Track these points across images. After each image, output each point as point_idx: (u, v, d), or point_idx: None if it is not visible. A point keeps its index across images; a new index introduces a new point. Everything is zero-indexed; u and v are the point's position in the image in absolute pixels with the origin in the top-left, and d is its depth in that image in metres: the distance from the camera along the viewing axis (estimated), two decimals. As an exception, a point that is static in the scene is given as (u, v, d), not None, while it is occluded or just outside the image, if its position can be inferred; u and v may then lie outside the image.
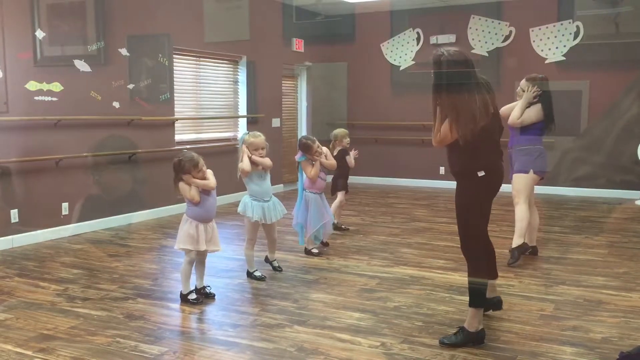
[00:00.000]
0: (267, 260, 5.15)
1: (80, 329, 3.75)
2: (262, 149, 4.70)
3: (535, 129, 5.19)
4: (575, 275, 4.88)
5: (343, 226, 6.67)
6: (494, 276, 3.85)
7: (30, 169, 6.05)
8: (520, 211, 5.24)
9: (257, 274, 4.86)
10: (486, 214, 3.61)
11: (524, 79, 5.24)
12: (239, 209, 4.82)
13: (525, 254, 5.36)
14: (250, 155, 4.67)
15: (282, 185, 9.78)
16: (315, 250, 5.62)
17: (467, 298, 4.21)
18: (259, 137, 4.73)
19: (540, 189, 5.48)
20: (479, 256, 3.59)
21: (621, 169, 8.97)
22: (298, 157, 5.48)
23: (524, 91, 5.19)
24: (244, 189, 4.85)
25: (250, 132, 4.85)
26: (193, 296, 4.25)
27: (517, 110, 5.16)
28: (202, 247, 4.22)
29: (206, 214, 4.24)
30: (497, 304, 3.85)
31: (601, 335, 3.61)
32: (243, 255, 4.97)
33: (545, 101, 5.18)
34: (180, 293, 4.30)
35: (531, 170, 5.15)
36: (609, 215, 7.71)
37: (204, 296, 4.32)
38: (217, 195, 4.38)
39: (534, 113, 5.15)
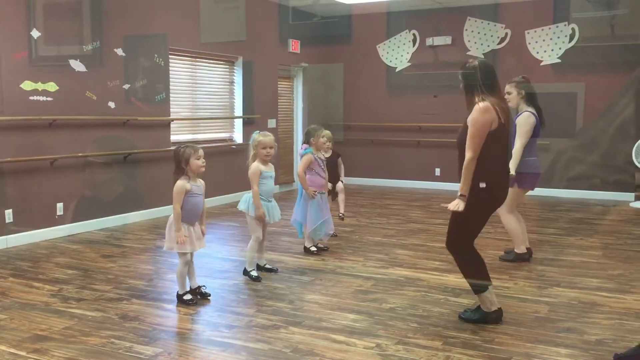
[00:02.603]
0: (258, 268, 5.08)
1: (75, 329, 3.74)
2: (271, 147, 4.82)
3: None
4: (570, 277, 4.89)
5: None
6: (484, 279, 3.89)
7: (25, 169, 6.03)
8: (507, 222, 5.26)
9: (254, 274, 4.87)
10: (479, 225, 3.81)
11: (507, 84, 5.19)
12: (242, 207, 4.85)
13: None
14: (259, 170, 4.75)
15: (277, 186, 9.77)
16: (313, 249, 5.65)
17: (462, 300, 4.29)
18: (269, 136, 4.85)
19: (535, 191, 5.48)
20: (463, 251, 3.84)
21: (616, 170, 9.00)
22: (302, 151, 5.60)
23: (509, 94, 5.16)
24: (239, 190, 4.84)
25: (260, 132, 4.95)
26: (188, 297, 4.24)
27: (519, 149, 4.99)
28: (196, 248, 4.24)
29: (195, 216, 4.23)
30: (495, 318, 3.84)
31: (596, 337, 3.62)
32: (238, 256, 4.96)
33: (533, 103, 5.18)
34: (177, 293, 4.29)
35: (515, 184, 5.10)
36: (603, 217, 7.74)
37: (199, 296, 4.31)
38: (213, 196, 4.38)
39: (528, 127, 5.03)
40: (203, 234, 4.35)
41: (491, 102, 3.63)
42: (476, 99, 3.67)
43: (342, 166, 6.62)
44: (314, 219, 5.50)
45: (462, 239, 3.81)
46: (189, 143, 4.32)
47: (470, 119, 3.63)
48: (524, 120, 5.08)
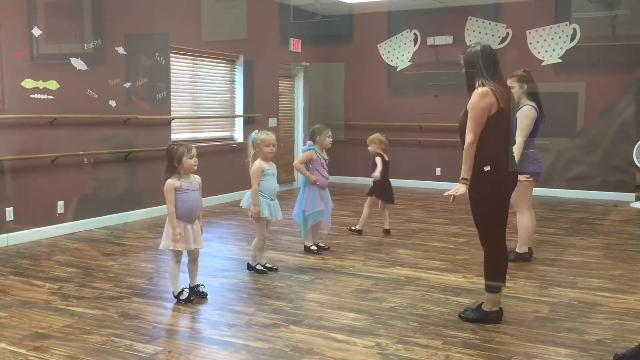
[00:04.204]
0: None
1: (75, 327, 3.74)
2: (274, 145, 4.89)
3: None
4: (571, 277, 4.89)
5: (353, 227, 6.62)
6: (502, 281, 3.90)
7: (26, 167, 6.03)
8: (521, 220, 5.26)
9: (259, 267, 4.94)
10: (503, 211, 3.78)
11: (509, 79, 5.16)
12: (245, 204, 4.88)
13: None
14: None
15: (278, 185, 9.75)
16: (313, 248, 5.66)
17: (462, 299, 4.28)
18: (270, 135, 4.91)
19: (535, 191, 5.48)
20: (497, 244, 3.79)
21: (616, 170, 8.99)
22: (305, 147, 5.65)
23: (512, 88, 5.12)
24: (239, 189, 4.86)
25: (260, 131, 4.98)
26: (184, 296, 4.23)
27: (520, 143, 4.98)
28: (192, 247, 4.22)
29: (191, 213, 4.21)
30: (496, 318, 3.86)
31: (596, 337, 3.62)
32: (238, 255, 4.97)
33: (534, 97, 5.17)
34: (172, 294, 4.29)
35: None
36: (604, 217, 7.73)
37: (197, 295, 4.31)
38: (214, 195, 4.38)
39: (528, 120, 5.04)
40: (201, 231, 4.34)
41: (491, 86, 3.64)
42: (476, 84, 3.68)
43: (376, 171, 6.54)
44: (311, 204, 5.52)
45: (493, 230, 3.78)
46: (182, 141, 4.29)
47: (469, 104, 3.65)
48: (525, 114, 5.06)
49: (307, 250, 5.67)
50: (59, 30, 6.27)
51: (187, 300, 4.21)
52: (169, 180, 4.15)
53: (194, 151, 4.19)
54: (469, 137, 3.62)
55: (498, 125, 3.66)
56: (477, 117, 3.60)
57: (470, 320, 3.85)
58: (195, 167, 4.21)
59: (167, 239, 4.19)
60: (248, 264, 4.99)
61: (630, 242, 6.25)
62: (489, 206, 3.73)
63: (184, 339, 3.66)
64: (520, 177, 5.09)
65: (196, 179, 4.28)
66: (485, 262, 3.87)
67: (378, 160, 6.47)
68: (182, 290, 4.25)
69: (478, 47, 3.79)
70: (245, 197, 4.92)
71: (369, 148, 6.60)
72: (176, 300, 4.25)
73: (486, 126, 3.63)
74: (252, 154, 4.90)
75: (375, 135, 6.65)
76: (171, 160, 4.16)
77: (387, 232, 6.56)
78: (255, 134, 4.91)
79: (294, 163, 5.71)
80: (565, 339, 3.59)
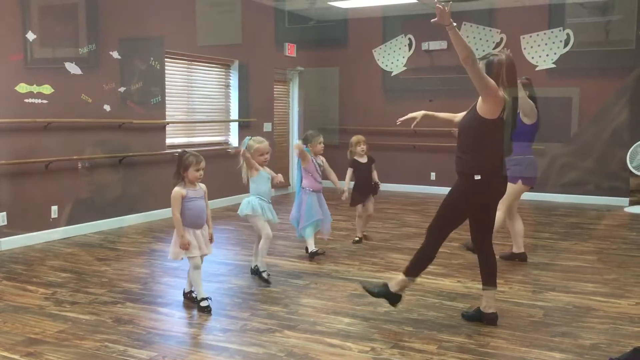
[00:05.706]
0: (254, 272, 5.05)
1: (69, 333, 3.72)
2: (267, 153, 4.87)
3: (527, 133, 5.17)
4: (565, 282, 4.90)
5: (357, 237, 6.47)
6: (493, 285, 3.93)
7: (20, 172, 6.01)
8: (496, 218, 5.21)
9: (265, 275, 4.84)
10: (462, 217, 3.91)
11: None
12: (246, 211, 4.80)
13: (515, 260, 5.43)
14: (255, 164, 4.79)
15: (273, 189, 9.74)
16: (314, 249, 5.64)
17: (457, 304, 4.29)
18: (264, 142, 4.88)
19: (529, 195, 5.52)
20: (433, 243, 3.91)
21: (610, 175, 9.03)
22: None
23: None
24: (235, 193, 4.86)
25: (253, 138, 4.93)
26: (204, 303, 4.16)
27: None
28: (205, 251, 4.23)
29: (198, 219, 4.21)
30: (492, 319, 3.89)
31: (590, 341, 3.63)
32: (233, 260, 4.96)
33: (535, 102, 5.21)
34: (195, 298, 4.24)
35: (519, 181, 5.14)
36: (598, 222, 7.76)
37: (191, 301, 4.29)
38: (208, 200, 4.37)
39: (530, 111, 5.09)
40: (211, 239, 4.33)
41: (505, 96, 3.66)
42: None
43: (375, 172, 6.31)
44: (306, 216, 5.52)
45: (444, 229, 3.89)
46: (194, 152, 4.28)
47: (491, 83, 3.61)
48: (531, 107, 5.11)
49: (308, 252, 5.66)
50: (53, 34, 6.25)
51: (202, 309, 4.12)
52: (176, 189, 4.17)
53: (202, 164, 4.21)
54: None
55: (495, 133, 3.69)
56: (487, 80, 3.57)
57: (468, 317, 3.96)
58: (200, 180, 4.25)
59: (177, 248, 4.17)
60: (257, 269, 4.94)
61: (624, 246, 6.27)
62: (458, 208, 3.83)
63: (179, 345, 3.64)
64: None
65: (201, 187, 4.31)
66: (419, 250, 3.95)
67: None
68: (205, 298, 4.17)
69: (503, 56, 3.76)
70: (242, 204, 4.88)
71: (360, 148, 6.20)
72: (198, 307, 4.17)
73: (484, 132, 3.67)
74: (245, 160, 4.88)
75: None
76: (179, 167, 4.20)
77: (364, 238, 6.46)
78: (248, 140, 4.87)
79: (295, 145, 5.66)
80: (560, 343, 3.60)
